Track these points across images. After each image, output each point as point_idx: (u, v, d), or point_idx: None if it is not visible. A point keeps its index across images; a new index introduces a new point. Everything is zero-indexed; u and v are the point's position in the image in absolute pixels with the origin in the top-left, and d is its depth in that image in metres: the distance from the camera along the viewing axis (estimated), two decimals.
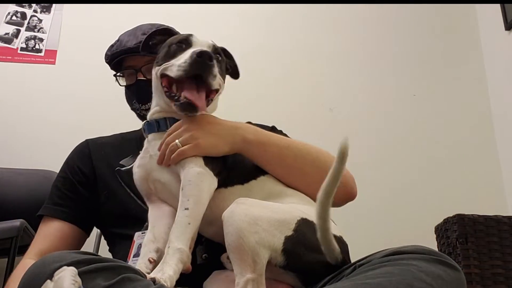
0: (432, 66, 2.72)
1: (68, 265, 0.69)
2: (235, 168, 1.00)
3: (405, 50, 2.75)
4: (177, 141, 0.96)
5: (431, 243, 1.83)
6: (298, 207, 0.93)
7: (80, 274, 0.68)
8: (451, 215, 1.73)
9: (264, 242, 0.80)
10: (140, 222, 1.09)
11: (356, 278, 0.73)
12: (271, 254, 0.81)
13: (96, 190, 1.21)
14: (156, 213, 1.00)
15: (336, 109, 2.62)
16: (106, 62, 1.35)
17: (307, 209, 0.91)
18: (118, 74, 1.33)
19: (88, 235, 1.26)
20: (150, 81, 1.14)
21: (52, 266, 0.69)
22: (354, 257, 1.03)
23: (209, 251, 1.01)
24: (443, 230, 1.79)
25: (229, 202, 0.89)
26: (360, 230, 2.06)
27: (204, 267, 0.98)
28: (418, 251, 0.77)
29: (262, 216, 0.83)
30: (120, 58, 1.29)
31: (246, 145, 1.02)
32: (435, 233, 1.86)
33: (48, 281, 0.66)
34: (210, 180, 0.93)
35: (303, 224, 0.85)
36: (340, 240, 0.89)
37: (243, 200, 0.86)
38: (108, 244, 1.27)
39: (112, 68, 1.35)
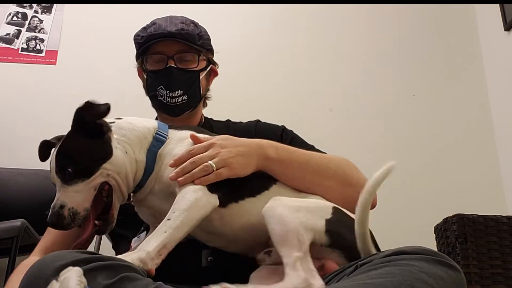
0: (432, 67, 2.72)
1: (68, 264, 0.69)
2: (244, 182, 1.00)
3: (405, 50, 2.75)
4: (211, 162, 0.96)
5: (431, 243, 1.83)
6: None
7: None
8: (450, 215, 1.73)
9: (306, 225, 0.87)
10: (132, 228, 1.12)
11: (358, 278, 0.74)
12: (315, 236, 0.87)
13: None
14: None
15: (336, 109, 2.63)
16: (137, 42, 1.32)
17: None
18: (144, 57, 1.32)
19: (94, 236, 1.27)
20: (181, 69, 1.22)
21: (52, 265, 0.70)
22: None
23: (214, 255, 1.03)
24: (443, 230, 1.79)
25: (242, 216, 0.96)
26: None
27: (210, 269, 1.00)
28: (419, 251, 0.77)
29: (301, 205, 0.91)
30: (154, 41, 1.27)
31: (268, 163, 1.04)
32: (435, 233, 1.87)
33: (54, 281, 0.67)
34: (204, 198, 0.92)
35: (338, 210, 0.95)
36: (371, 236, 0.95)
37: (278, 198, 0.92)
38: (112, 242, 1.28)
39: (139, 51, 1.33)
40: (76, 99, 2.79)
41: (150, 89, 1.31)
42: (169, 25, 1.29)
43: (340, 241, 0.90)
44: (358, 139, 2.56)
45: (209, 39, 1.36)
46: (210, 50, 1.35)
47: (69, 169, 0.91)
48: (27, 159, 2.29)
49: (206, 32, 1.36)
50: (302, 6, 2.79)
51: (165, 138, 1.02)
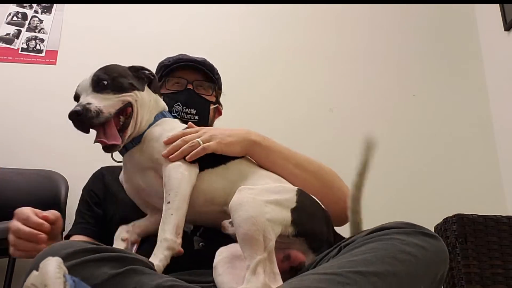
0: (432, 67, 2.72)
1: (76, 252, 0.71)
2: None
3: (405, 50, 2.75)
4: (198, 139, 1.07)
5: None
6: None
7: (86, 262, 0.70)
8: (450, 215, 1.74)
9: (275, 219, 0.87)
10: None
11: (343, 257, 0.77)
12: (282, 228, 0.89)
13: (107, 207, 1.29)
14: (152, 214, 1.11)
15: (336, 109, 2.63)
16: (163, 65, 1.45)
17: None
18: (166, 79, 1.44)
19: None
20: (197, 93, 1.37)
21: (61, 253, 0.71)
22: None
23: (205, 240, 1.09)
24: (443, 230, 1.79)
25: (212, 182, 1.05)
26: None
27: (202, 252, 1.07)
28: (400, 225, 0.81)
29: (268, 198, 0.90)
30: (178, 65, 1.41)
31: (254, 147, 1.13)
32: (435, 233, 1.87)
33: (34, 271, 0.67)
34: (188, 170, 1.01)
35: (301, 195, 0.97)
36: (317, 204, 1.02)
37: (245, 188, 0.92)
38: None
39: (163, 73, 1.44)
40: None
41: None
42: (193, 57, 1.44)
43: (303, 229, 0.92)
44: (358, 139, 2.56)
45: (220, 80, 1.51)
46: (220, 90, 1.51)
47: (105, 82, 1.04)
48: (27, 159, 2.30)
49: (220, 77, 1.51)
50: (302, 6, 2.79)
51: (162, 116, 1.16)
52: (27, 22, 2.65)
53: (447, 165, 2.52)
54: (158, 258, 0.89)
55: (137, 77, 1.15)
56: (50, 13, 2.68)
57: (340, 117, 2.61)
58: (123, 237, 1.06)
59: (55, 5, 2.69)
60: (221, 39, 2.69)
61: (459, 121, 2.61)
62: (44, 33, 2.64)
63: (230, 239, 1.05)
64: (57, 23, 2.66)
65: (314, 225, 0.94)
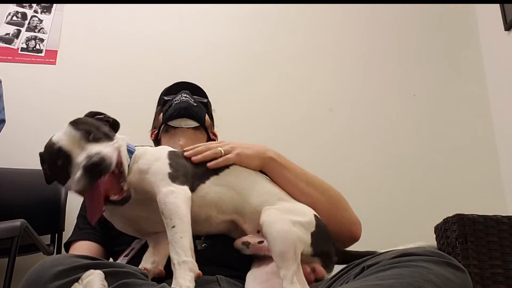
0: (432, 66, 2.72)
1: (66, 270, 0.71)
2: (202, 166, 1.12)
3: (405, 50, 2.75)
4: (220, 148, 1.13)
5: (431, 243, 1.83)
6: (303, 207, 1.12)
7: (78, 279, 0.69)
8: (450, 215, 1.73)
9: (301, 239, 0.98)
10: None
11: (367, 279, 0.75)
12: (304, 248, 0.99)
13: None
14: (154, 239, 1.11)
15: (336, 109, 2.63)
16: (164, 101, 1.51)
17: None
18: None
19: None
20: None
21: (51, 271, 0.71)
22: None
23: (207, 242, 1.13)
24: (443, 230, 1.79)
25: (212, 194, 1.07)
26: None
27: (204, 252, 1.10)
28: (427, 253, 0.79)
29: (295, 220, 1.00)
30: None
31: (270, 163, 1.19)
32: (435, 233, 1.87)
33: (76, 284, 0.67)
34: (182, 193, 1.01)
35: (318, 221, 1.06)
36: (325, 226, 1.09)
37: (271, 208, 1.03)
38: (112, 258, 1.32)
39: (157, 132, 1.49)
40: (75, 99, 2.79)
41: (170, 111, 1.45)
42: (185, 103, 1.48)
43: (320, 251, 1.02)
44: (358, 139, 2.56)
45: (208, 104, 1.57)
46: (211, 118, 1.56)
47: (93, 133, 0.99)
48: (27, 159, 2.29)
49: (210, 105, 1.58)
50: (302, 6, 2.79)
51: (133, 151, 1.10)
52: (26, 22, 2.65)
53: (447, 165, 2.52)
54: (186, 280, 0.88)
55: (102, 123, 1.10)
56: (50, 13, 2.68)
57: (340, 117, 2.61)
58: (143, 267, 1.04)
59: (54, 5, 2.69)
60: (221, 39, 2.69)
61: (459, 120, 2.61)
62: (43, 33, 2.63)
63: (231, 239, 1.11)
64: (57, 23, 2.66)
65: (328, 247, 1.05)
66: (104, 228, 1.27)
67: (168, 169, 1.05)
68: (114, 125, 1.10)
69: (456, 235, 1.68)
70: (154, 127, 1.53)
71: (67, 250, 1.31)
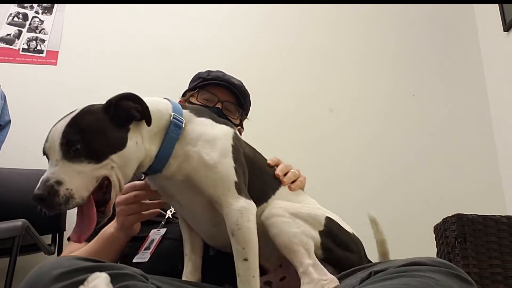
0: (431, 67, 2.73)
1: (67, 273, 0.70)
2: (254, 192, 1.00)
3: (404, 50, 2.76)
4: (294, 170, 1.11)
5: (430, 243, 1.84)
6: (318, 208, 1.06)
7: (77, 283, 0.69)
8: (450, 215, 1.74)
9: (306, 232, 0.92)
10: (153, 223, 1.18)
11: (374, 287, 0.74)
12: (315, 244, 0.93)
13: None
14: (188, 232, 1.07)
15: (336, 109, 2.63)
16: (201, 77, 1.43)
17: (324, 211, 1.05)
18: (196, 90, 1.42)
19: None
20: (223, 114, 1.35)
21: (51, 273, 0.70)
22: None
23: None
24: (442, 230, 1.79)
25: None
26: (360, 230, 2.07)
27: (215, 257, 1.08)
28: (435, 263, 0.77)
29: (298, 212, 0.96)
30: (212, 82, 1.40)
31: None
32: (434, 233, 1.87)
33: (81, 286, 0.67)
34: (252, 211, 0.93)
35: (329, 221, 0.99)
36: (353, 237, 1.03)
37: (277, 205, 0.97)
38: None
39: (198, 84, 1.42)
40: (76, 99, 2.80)
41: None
42: (231, 78, 1.44)
43: (330, 258, 0.95)
44: (358, 139, 2.57)
45: (249, 107, 1.54)
46: (246, 115, 1.51)
47: (78, 146, 0.81)
48: (28, 159, 2.30)
49: (250, 100, 1.53)
50: (302, 6, 2.79)
51: (182, 123, 0.95)
52: (28, 23, 2.66)
53: (446, 165, 2.52)
54: None
55: (118, 119, 0.87)
56: (51, 14, 2.69)
57: (340, 117, 2.61)
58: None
59: (55, 5, 2.70)
60: (221, 40, 2.70)
61: (459, 121, 2.62)
62: (44, 34, 2.64)
63: None
64: (58, 23, 2.67)
65: (341, 256, 0.96)
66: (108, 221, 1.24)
67: (234, 177, 0.93)
68: (145, 116, 0.89)
69: (455, 235, 1.68)
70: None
71: (39, 223, 1.29)
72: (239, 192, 0.93)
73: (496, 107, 2.59)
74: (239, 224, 0.90)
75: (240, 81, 1.46)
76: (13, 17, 2.66)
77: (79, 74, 2.58)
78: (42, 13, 2.69)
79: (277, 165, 1.12)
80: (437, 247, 1.83)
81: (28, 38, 2.63)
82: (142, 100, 0.88)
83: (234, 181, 0.93)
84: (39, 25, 2.66)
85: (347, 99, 2.66)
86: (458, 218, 1.69)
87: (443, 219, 1.78)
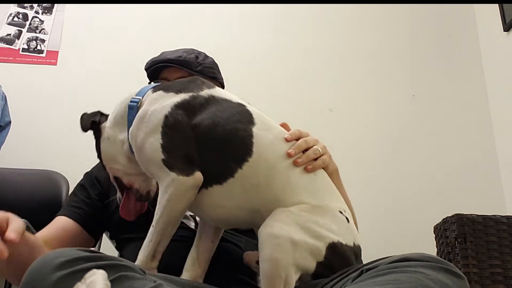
0: (431, 67, 2.73)
1: (68, 262, 0.71)
2: (208, 165, 0.95)
3: (404, 50, 2.76)
4: (316, 147, 1.00)
5: (430, 243, 1.84)
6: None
7: (79, 271, 0.70)
8: (450, 215, 1.74)
9: (298, 264, 0.84)
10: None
11: (365, 284, 0.75)
12: (302, 274, 0.86)
13: (108, 201, 1.26)
14: (201, 228, 1.07)
15: (336, 109, 2.63)
16: (145, 69, 1.39)
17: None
18: (151, 82, 1.37)
19: (95, 242, 1.30)
20: None
21: (53, 262, 0.71)
22: None
23: (220, 244, 1.08)
24: (442, 230, 1.79)
25: (213, 204, 0.94)
26: (359, 230, 2.07)
27: (214, 257, 1.05)
28: (426, 259, 0.78)
29: (299, 240, 0.85)
30: (157, 67, 1.34)
31: (334, 175, 1.08)
32: (434, 233, 1.87)
33: (79, 283, 0.67)
34: (178, 186, 0.91)
35: (332, 250, 0.89)
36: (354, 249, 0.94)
37: (280, 217, 0.87)
38: (117, 248, 1.31)
39: (148, 77, 1.39)
40: (76, 99, 2.79)
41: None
42: (171, 54, 1.35)
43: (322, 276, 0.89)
44: (358, 139, 2.57)
45: (212, 68, 1.40)
46: (214, 78, 1.38)
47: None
48: (28, 159, 2.30)
49: (211, 62, 1.40)
50: (302, 6, 2.79)
51: (136, 102, 1.01)
52: (28, 23, 2.66)
53: (446, 165, 2.52)
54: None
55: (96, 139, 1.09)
56: (51, 14, 2.69)
57: (340, 117, 2.61)
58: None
59: (56, 5, 2.70)
60: (221, 40, 2.70)
61: (459, 121, 2.62)
62: (45, 34, 2.64)
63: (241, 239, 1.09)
64: (58, 23, 2.67)
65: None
66: (95, 207, 1.25)
67: (161, 155, 0.93)
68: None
69: (455, 235, 1.68)
70: None
71: (39, 224, 1.31)
72: (170, 167, 0.92)
73: (496, 107, 2.59)
74: (164, 196, 0.92)
75: (184, 51, 1.35)
76: (13, 17, 2.66)
77: (79, 74, 2.58)
78: (42, 13, 2.69)
79: (297, 140, 1.00)
80: (437, 247, 1.83)
81: (28, 38, 2.63)
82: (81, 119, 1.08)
83: (161, 159, 0.93)
84: (39, 25, 2.66)
85: (347, 99, 2.66)
86: (458, 218, 1.69)
87: (443, 219, 1.78)
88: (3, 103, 2.18)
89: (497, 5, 2.55)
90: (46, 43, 2.62)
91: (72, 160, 2.27)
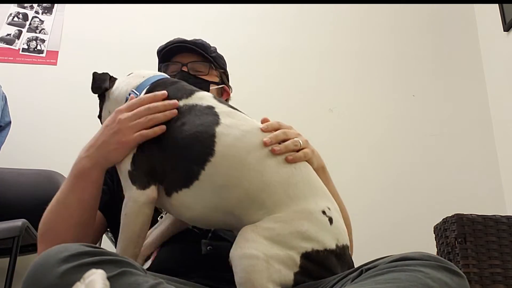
0: (431, 67, 2.73)
1: (72, 256, 0.71)
2: (174, 171, 0.94)
3: (404, 50, 2.76)
4: (297, 139, 0.98)
5: (430, 243, 1.84)
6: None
7: (83, 265, 0.70)
8: (450, 215, 1.74)
9: (274, 279, 0.81)
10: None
11: (365, 283, 0.74)
12: (282, 287, 0.82)
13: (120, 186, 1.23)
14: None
15: (336, 109, 2.63)
16: (158, 52, 1.40)
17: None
18: (163, 64, 1.38)
19: (108, 226, 1.26)
20: (193, 75, 1.29)
21: (57, 256, 0.71)
22: (355, 255, 1.04)
23: (213, 244, 1.07)
24: (442, 230, 1.80)
25: (184, 207, 0.93)
26: (360, 230, 2.07)
27: (209, 256, 1.04)
28: (425, 258, 0.78)
29: (272, 256, 0.82)
30: (171, 49, 1.35)
31: (320, 171, 1.06)
32: (434, 233, 1.87)
33: (78, 283, 0.68)
34: (131, 203, 0.93)
35: (307, 259, 0.85)
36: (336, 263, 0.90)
37: (249, 235, 0.84)
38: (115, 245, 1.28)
39: (160, 60, 1.39)
40: (76, 99, 2.79)
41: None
42: (183, 38, 1.38)
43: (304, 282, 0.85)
44: (358, 139, 2.57)
45: (223, 60, 1.44)
46: (224, 70, 1.42)
47: None
48: (28, 159, 2.30)
49: (222, 56, 1.44)
50: (302, 6, 2.79)
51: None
52: (28, 23, 2.66)
53: (446, 165, 2.52)
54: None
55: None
56: (51, 14, 2.69)
57: (340, 117, 2.61)
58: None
59: (56, 5, 2.70)
60: (221, 40, 2.69)
61: (459, 121, 2.62)
62: (45, 34, 2.64)
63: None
64: (58, 23, 2.67)
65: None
66: (113, 196, 1.20)
67: (128, 166, 0.95)
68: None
69: (455, 235, 1.68)
70: None
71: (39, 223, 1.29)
72: (133, 181, 0.93)
73: (496, 107, 2.59)
74: (124, 211, 0.93)
75: (198, 39, 1.38)
76: (13, 17, 2.66)
77: (79, 74, 2.57)
78: (42, 13, 2.69)
79: (274, 132, 0.96)
80: (437, 247, 1.83)
81: (28, 38, 2.63)
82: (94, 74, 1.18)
83: (127, 170, 0.95)
84: (39, 25, 2.66)
85: (347, 99, 2.66)
86: (458, 218, 1.69)
87: (443, 219, 1.78)
88: (3, 103, 2.19)
89: (497, 5, 2.56)
90: (46, 43, 2.62)
91: (72, 160, 2.27)
